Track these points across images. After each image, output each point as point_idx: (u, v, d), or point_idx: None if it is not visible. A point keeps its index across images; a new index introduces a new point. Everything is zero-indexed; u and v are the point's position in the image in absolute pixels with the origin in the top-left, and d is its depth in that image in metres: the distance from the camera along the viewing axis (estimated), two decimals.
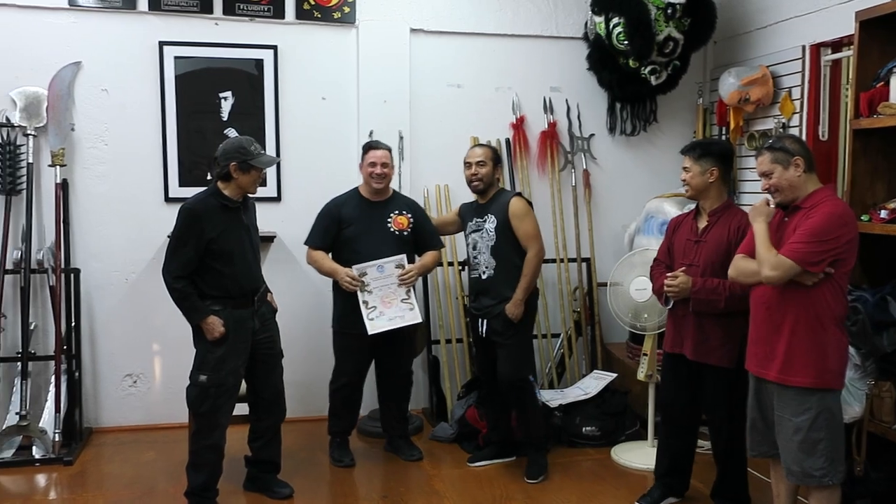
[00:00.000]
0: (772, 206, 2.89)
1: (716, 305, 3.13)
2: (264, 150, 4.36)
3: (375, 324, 3.76)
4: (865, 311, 3.12)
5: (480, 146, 3.90)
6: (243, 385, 3.48)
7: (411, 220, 3.90)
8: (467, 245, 3.88)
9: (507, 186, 4.66)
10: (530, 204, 3.83)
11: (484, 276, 3.75)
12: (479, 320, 3.79)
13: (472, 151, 3.85)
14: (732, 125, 4.53)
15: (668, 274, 3.25)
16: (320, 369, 4.50)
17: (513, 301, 3.67)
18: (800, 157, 2.77)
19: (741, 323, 3.11)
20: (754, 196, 4.37)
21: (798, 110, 4.12)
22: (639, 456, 3.98)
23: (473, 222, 3.82)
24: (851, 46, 3.49)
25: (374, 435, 4.29)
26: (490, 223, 3.72)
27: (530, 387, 3.79)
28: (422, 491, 3.65)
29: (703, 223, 3.30)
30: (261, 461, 3.58)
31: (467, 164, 3.81)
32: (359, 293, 3.75)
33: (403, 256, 3.82)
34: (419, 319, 3.85)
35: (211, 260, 3.27)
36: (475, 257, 3.80)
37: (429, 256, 3.94)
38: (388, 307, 3.78)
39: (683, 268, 3.23)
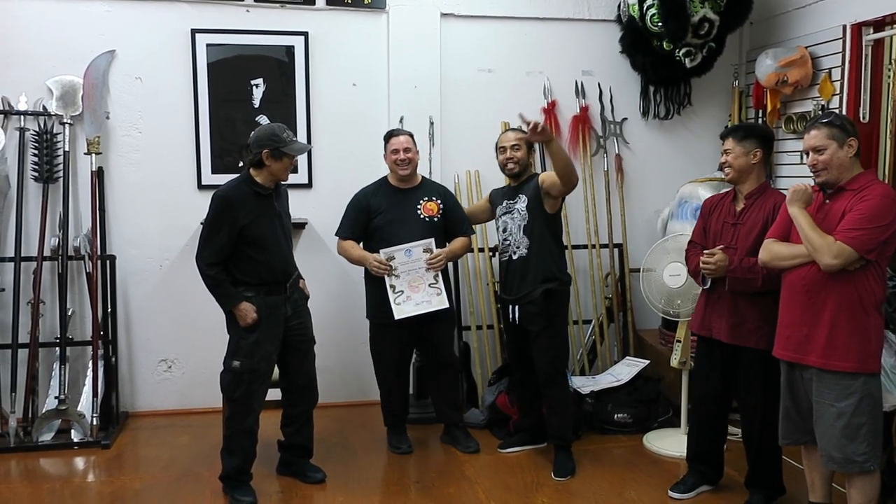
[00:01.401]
0: (809, 191, 2.81)
1: (753, 284, 3.08)
2: (295, 137, 4.39)
3: (402, 308, 3.75)
4: None
5: (513, 130, 3.84)
6: (276, 371, 3.52)
7: (441, 206, 3.88)
8: (497, 229, 3.83)
9: (539, 171, 4.62)
10: None
11: (515, 257, 3.69)
12: (511, 307, 3.76)
13: (506, 136, 3.80)
14: (769, 108, 4.44)
15: (706, 251, 3.20)
16: (352, 355, 4.54)
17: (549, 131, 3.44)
18: (854, 138, 2.72)
19: (776, 303, 3.06)
20: (792, 180, 4.28)
21: (838, 92, 4.02)
22: (671, 443, 3.94)
23: (504, 205, 3.78)
24: (895, 25, 3.38)
25: (408, 421, 4.28)
26: (521, 203, 3.68)
27: (564, 382, 3.77)
28: (453, 476, 3.66)
29: (740, 206, 3.24)
30: (293, 446, 3.61)
31: (501, 149, 3.76)
32: (386, 278, 3.75)
33: (432, 240, 3.80)
34: (446, 305, 3.82)
35: (244, 246, 3.29)
36: (505, 239, 3.75)
37: (458, 242, 3.91)
38: (415, 292, 3.77)
39: (721, 246, 3.18)
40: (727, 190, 3.40)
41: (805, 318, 2.78)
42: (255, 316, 3.28)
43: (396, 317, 3.74)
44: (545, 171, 4.57)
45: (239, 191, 3.31)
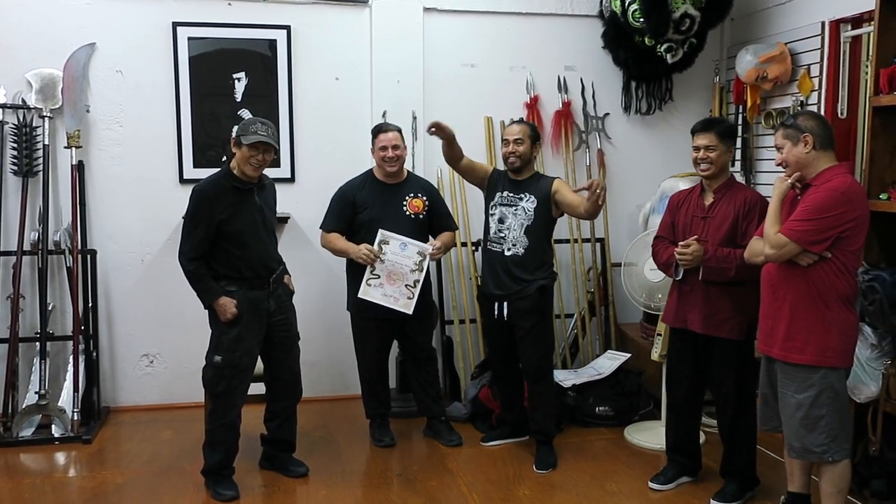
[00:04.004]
0: (788, 182, 2.85)
1: (726, 273, 3.12)
2: (278, 130, 4.37)
3: (370, 291, 3.73)
4: (883, 291, 3.09)
5: (518, 123, 3.79)
6: (260, 365, 3.51)
7: (426, 202, 3.87)
8: (490, 216, 3.76)
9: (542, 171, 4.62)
10: None
11: (508, 253, 3.66)
12: (498, 303, 3.70)
13: (510, 129, 3.76)
14: (749, 103, 4.48)
15: (681, 242, 3.22)
16: (335, 350, 4.55)
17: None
18: (809, 134, 2.76)
19: (751, 293, 3.12)
20: (771, 175, 4.33)
21: (816, 88, 4.07)
22: (652, 436, 3.98)
23: (504, 195, 3.72)
24: (872, 22, 3.43)
25: (391, 415, 4.28)
26: (529, 202, 3.65)
27: (551, 378, 3.80)
28: (436, 470, 3.68)
29: (709, 200, 3.28)
30: (277, 440, 3.61)
31: (505, 142, 3.73)
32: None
33: (429, 247, 3.79)
34: (409, 312, 3.75)
35: (222, 241, 3.27)
36: (500, 231, 3.70)
37: (447, 235, 3.90)
38: (390, 284, 3.74)
39: (695, 237, 3.21)
40: (693, 185, 3.42)
41: (770, 312, 2.87)
42: (234, 311, 3.27)
43: (360, 295, 3.73)
44: (543, 170, 4.57)
45: (217, 185, 3.29)
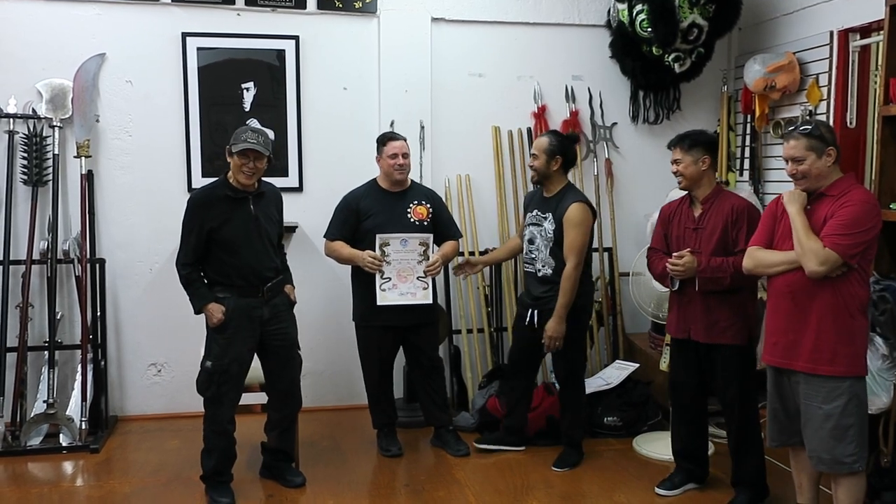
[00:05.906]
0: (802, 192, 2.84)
1: (722, 283, 3.15)
2: (286, 140, 4.40)
3: (386, 296, 3.75)
4: (894, 301, 3.08)
5: (542, 136, 3.80)
6: (261, 375, 3.52)
7: (430, 209, 3.89)
8: (523, 236, 3.84)
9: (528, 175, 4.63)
10: (594, 212, 3.73)
11: (540, 274, 3.72)
12: (530, 310, 3.74)
13: (535, 142, 3.80)
14: (758, 113, 4.47)
15: (675, 254, 3.25)
16: (342, 359, 4.54)
17: (554, 318, 3.59)
18: (833, 147, 2.76)
19: (748, 299, 3.17)
20: (779, 185, 4.32)
21: (825, 97, 4.05)
22: (661, 446, 3.94)
23: (534, 214, 3.77)
24: (881, 31, 3.42)
25: (398, 425, 4.27)
26: (549, 223, 3.67)
27: (579, 387, 3.83)
28: (443, 480, 3.66)
29: (698, 211, 3.32)
30: (275, 450, 3.61)
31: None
32: None
33: (430, 236, 3.82)
34: (429, 301, 3.82)
35: (214, 248, 3.31)
36: (530, 251, 3.76)
37: (448, 246, 3.92)
38: (402, 282, 3.77)
39: (688, 249, 3.23)
40: (682, 196, 3.45)
41: (791, 324, 2.82)
42: (220, 317, 3.29)
43: (379, 303, 3.74)
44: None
45: (210, 194, 3.33)
